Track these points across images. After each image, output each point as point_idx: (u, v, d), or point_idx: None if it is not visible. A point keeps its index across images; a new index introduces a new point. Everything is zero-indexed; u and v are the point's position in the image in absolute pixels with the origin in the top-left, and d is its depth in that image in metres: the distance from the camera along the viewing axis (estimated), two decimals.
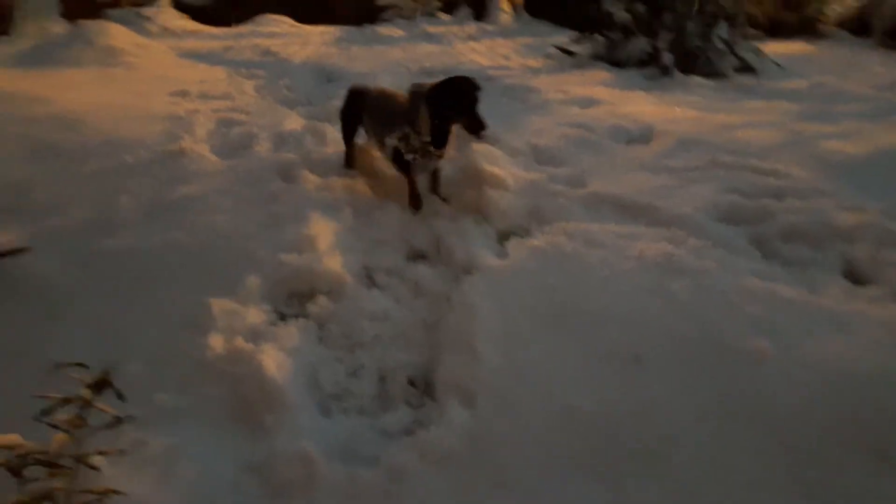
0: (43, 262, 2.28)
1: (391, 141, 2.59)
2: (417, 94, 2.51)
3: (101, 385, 1.26)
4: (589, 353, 1.66)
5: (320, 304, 2.07)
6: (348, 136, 2.94)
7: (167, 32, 8.79)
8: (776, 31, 6.03)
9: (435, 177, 2.71)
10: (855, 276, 1.96)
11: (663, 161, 2.63)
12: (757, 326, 1.67)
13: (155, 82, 4.59)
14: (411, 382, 1.84)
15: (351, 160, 2.96)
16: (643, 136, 2.98)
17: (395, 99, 2.64)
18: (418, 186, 2.64)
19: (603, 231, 2.13)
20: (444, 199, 2.67)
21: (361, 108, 2.81)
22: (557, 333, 1.73)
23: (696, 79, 4.06)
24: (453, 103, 2.40)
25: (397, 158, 2.59)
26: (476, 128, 2.36)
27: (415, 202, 2.62)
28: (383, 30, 7.90)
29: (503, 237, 2.29)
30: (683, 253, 1.95)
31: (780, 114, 3.12)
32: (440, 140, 2.51)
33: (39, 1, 7.72)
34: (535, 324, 1.77)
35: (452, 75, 2.48)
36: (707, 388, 1.56)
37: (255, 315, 1.98)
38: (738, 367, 1.57)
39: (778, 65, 4.24)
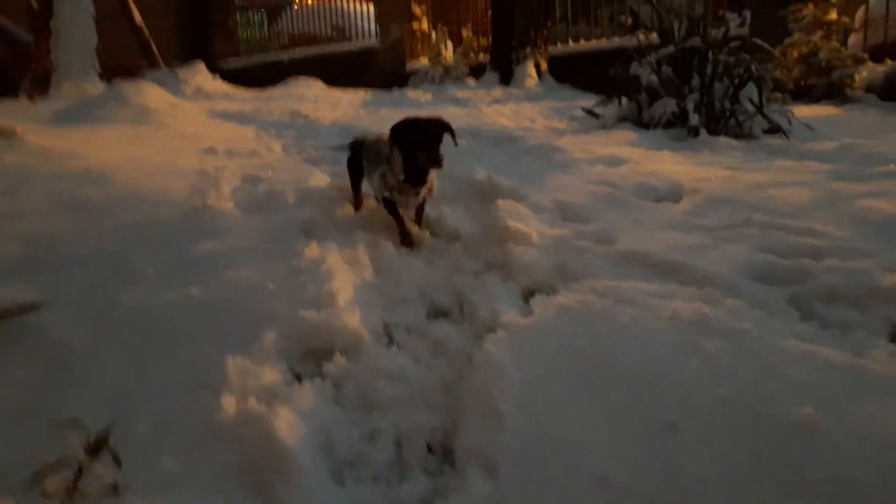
0: (56, 317, 2.25)
1: (375, 179, 2.82)
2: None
3: (97, 447, 1.18)
4: (621, 418, 1.56)
5: (337, 363, 1.99)
6: (355, 183, 3.20)
7: (200, 94, 9.03)
8: (803, 95, 6.00)
9: (418, 213, 2.93)
10: None
11: (694, 219, 2.55)
12: (800, 391, 1.56)
13: (184, 140, 4.66)
14: (429, 448, 1.74)
15: (358, 203, 3.21)
16: (672, 194, 2.91)
17: (384, 143, 2.81)
18: (407, 226, 2.84)
19: (633, 289, 2.04)
20: (422, 229, 2.92)
21: (361, 156, 3.06)
22: (587, 397, 1.62)
23: (725, 139, 4.01)
24: (409, 139, 2.60)
25: (384, 198, 2.80)
26: (430, 161, 2.57)
27: (405, 240, 2.79)
28: (412, 93, 8.04)
29: (528, 294, 2.21)
30: (719, 313, 1.85)
31: (812, 174, 3.04)
32: (415, 179, 2.69)
33: (79, 63, 8.01)
34: (562, 386, 1.67)
35: (416, 117, 2.69)
36: (747, 457, 1.43)
37: (270, 374, 1.91)
38: (781, 435, 1.45)
39: (808, 126, 4.18)
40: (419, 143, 2.58)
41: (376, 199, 2.99)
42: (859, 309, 1.95)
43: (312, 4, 14.05)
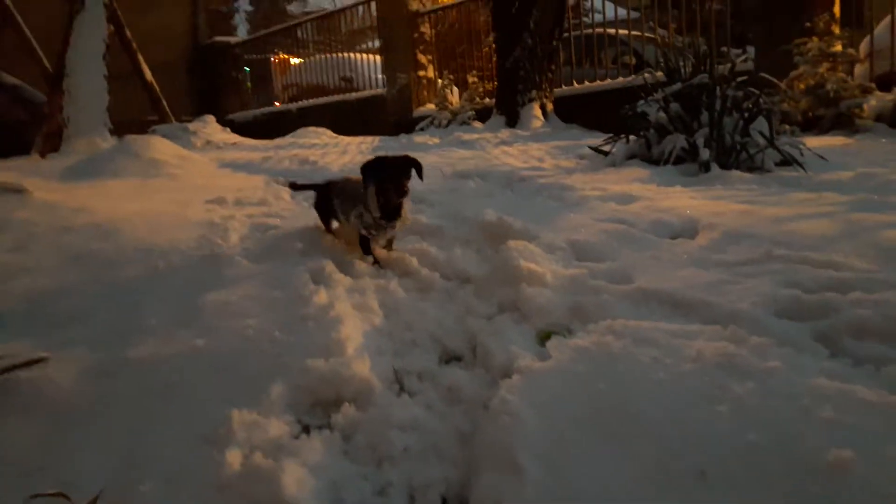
0: (59, 372, 2.19)
1: (352, 219, 3.04)
2: None
3: None
4: (647, 468, 1.46)
5: (346, 413, 1.92)
6: (326, 223, 3.44)
7: (210, 145, 9.12)
8: (811, 126, 5.97)
9: (389, 242, 3.17)
10: None
11: (712, 255, 2.47)
12: (835, 433, 1.46)
13: (193, 191, 4.66)
14: (444, 502, 1.65)
15: (330, 230, 3.46)
16: (688, 230, 2.84)
17: (357, 184, 3.06)
18: (376, 253, 3.10)
19: (653, 329, 1.96)
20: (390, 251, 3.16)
21: (330, 198, 3.30)
22: (610, 445, 1.53)
23: (737, 173, 3.96)
24: (378, 175, 2.82)
25: (360, 237, 3.06)
26: (399, 193, 2.81)
27: (372, 259, 3.05)
28: (419, 138, 8.08)
29: (544, 337, 2.14)
30: (745, 352, 1.76)
31: (830, 205, 2.96)
32: (390, 214, 2.89)
33: (90, 120, 8.12)
34: (584, 435, 1.58)
35: (384, 156, 2.91)
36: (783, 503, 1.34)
37: (277, 427, 1.84)
38: (818, 481, 1.36)
39: (822, 157, 4.13)
40: (388, 177, 2.81)
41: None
42: (890, 343, 1.86)
43: (319, 58, 14.30)
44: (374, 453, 1.78)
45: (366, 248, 3.07)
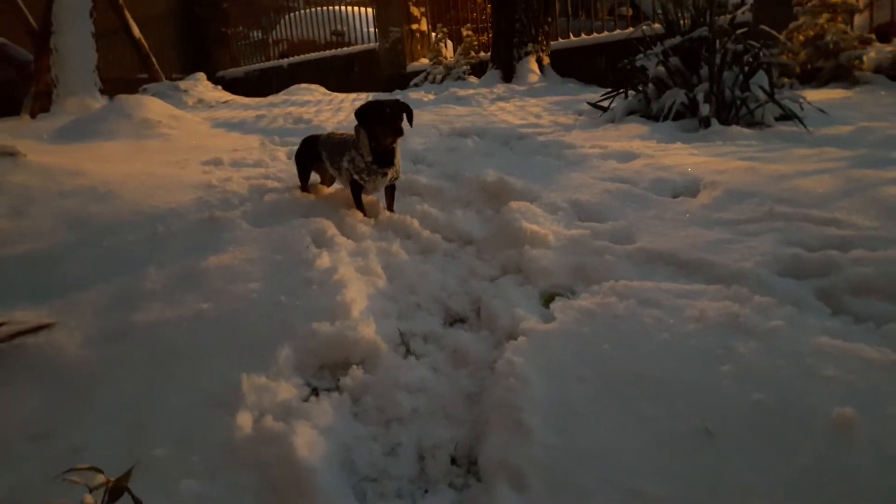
0: (67, 338, 2.20)
1: (344, 164, 3.06)
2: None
3: (116, 493, 1.12)
4: (653, 427, 1.49)
5: (354, 376, 1.94)
6: (304, 174, 3.52)
7: (202, 104, 9.00)
8: (810, 78, 5.91)
9: (389, 198, 3.19)
10: None
11: (715, 214, 2.47)
12: (838, 391, 1.49)
13: (189, 152, 4.60)
14: (454, 461, 1.68)
15: (304, 189, 3.53)
16: (689, 188, 2.83)
17: (345, 135, 3.23)
18: (364, 206, 3.14)
19: (657, 290, 1.97)
20: (391, 211, 3.17)
21: (317, 149, 3.35)
22: (616, 406, 1.56)
23: (737, 128, 3.92)
24: (372, 117, 2.88)
25: (352, 182, 3.08)
26: (392, 132, 2.84)
27: (360, 209, 3.11)
28: (414, 94, 7.96)
29: (548, 299, 2.15)
30: (748, 312, 1.78)
31: (832, 161, 2.95)
32: (383, 160, 2.95)
33: (79, 79, 7.98)
34: (590, 395, 1.60)
35: (376, 100, 2.99)
36: (788, 462, 1.37)
37: (286, 390, 1.86)
38: (822, 438, 1.39)
39: (822, 111, 4.10)
40: (381, 119, 2.86)
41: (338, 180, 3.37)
42: (891, 301, 1.88)
43: (310, 12, 14.01)
44: (383, 415, 1.81)
45: (357, 193, 3.10)
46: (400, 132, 2.86)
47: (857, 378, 1.52)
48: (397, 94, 8.38)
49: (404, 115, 2.90)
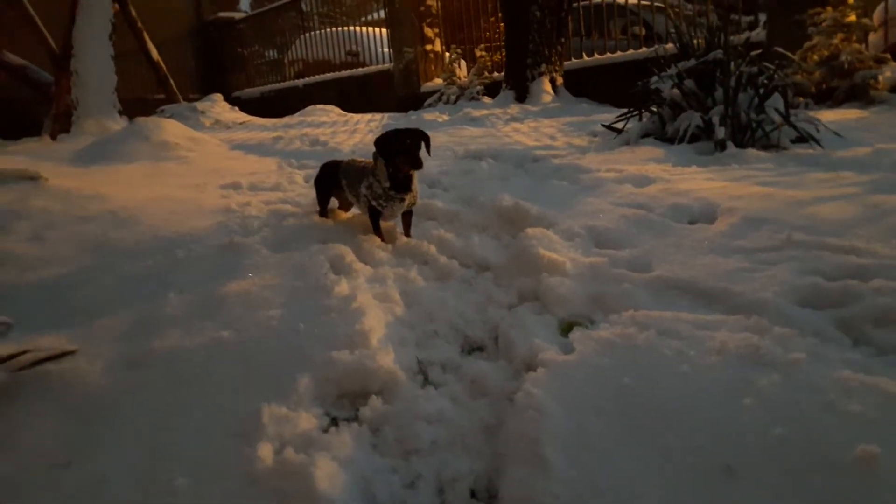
0: (88, 365, 2.22)
1: (362, 190, 3.08)
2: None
3: None
4: (674, 462, 1.49)
5: (373, 406, 1.95)
6: (323, 198, 3.53)
7: (219, 125, 9.11)
8: (826, 97, 5.91)
9: (406, 224, 3.21)
10: None
11: (733, 241, 2.47)
12: (861, 427, 1.48)
13: (207, 175, 4.66)
14: (473, 494, 1.68)
15: (324, 214, 3.54)
16: (706, 214, 2.83)
17: (364, 162, 3.27)
18: (382, 232, 3.17)
19: (676, 320, 1.97)
20: (408, 237, 3.18)
21: (336, 175, 3.39)
22: (637, 440, 1.56)
23: (753, 151, 3.92)
24: (390, 148, 2.90)
25: (370, 208, 3.10)
26: (411, 164, 2.88)
27: (378, 234, 3.14)
28: (428, 115, 8.02)
29: (566, 328, 2.15)
30: (769, 343, 1.77)
31: (850, 186, 2.94)
32: (400, 186, 2.97)
33: (99, 101, 8.11)
34: (610, 429, 1.60)
35: (396, 129, 2.97)
36: (810, 499, 1.36)
37: (307, 420, 1.87)
38: (845, 476, 1.38)
39: (838, 134, 4.09)
40: (400, 151, 2.88)
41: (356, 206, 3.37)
42: None
43: (325, 32, 14.16)
44: (402, 446, 1.81)
45: (375, 218, 3.12)
46: (419, 165, 2.89)
47: (880, 414, 1.51)
48: (411, 115, 8.45)
49: (423, 145, 2.94)
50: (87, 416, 2.07)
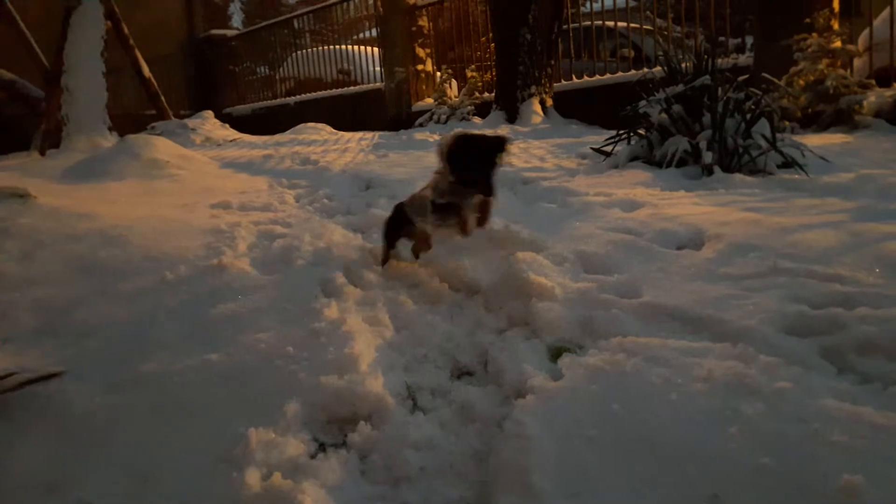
0: (76, 387, 2.22)
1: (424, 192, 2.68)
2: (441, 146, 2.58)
3: None
4: (663, 490, 1.50)
5: (362, 432, 1.95)
6: (390, 241, 3.12)
7: (210, 142, 9.12)
8: (811, 122, 6.00)
9: (483, 209, 2.64)
10: None
11: (719, 268, 2.50)
12: (845, 457, 1.49)
13: (197, 194, 4.66)
14: None
15: (385, 259, 3.16)
16: (693, 240, 2.86)
17: (423, 193, 2.82)
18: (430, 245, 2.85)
19: (664, 347, 1.99)
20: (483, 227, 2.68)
21: (404, 214, 2.98)
22: (626, 468, 1.57)
23: (740, 176, 3.97)
24: (468, 165, 2.38)
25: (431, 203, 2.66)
26: (481, 188, 2.41)
27: (423, 247, 2.84)
28: (419, 134, 8.07)
29: (556, 354, 2.16)
30: (755, 372, 1.79)
31: (835, 213, 2.99)
32: (469, 180, 2.46)
33: (89, 117, 8.11)
34: (599, 457, 1.61)
35: (470, 133, 2.50)
36: None
37: (295, 446, 1.87)
38: None
39: (823, 159, 4.15)
40: (471, 166, 2.41)
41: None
42: None
43: (316, 50, 14.23)
44: (391, 473, 1.81)
45: (417, 249, 2.80)
46: (490, 193, 2.41)
47: (864, 443, 1.52)
48: (402, 135, 8.49)
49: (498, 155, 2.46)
50: (74, 440, 2.06)
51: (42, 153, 7.95)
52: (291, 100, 14.25)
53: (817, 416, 1.62)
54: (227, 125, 10.66)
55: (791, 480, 1.46)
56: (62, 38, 8.46)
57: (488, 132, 2.52)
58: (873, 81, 6.06)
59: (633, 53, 10.22)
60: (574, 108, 8.77)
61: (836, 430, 1.56)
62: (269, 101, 15.28)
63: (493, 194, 2.41)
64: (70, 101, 8.09)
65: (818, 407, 1.65)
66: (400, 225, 3.04)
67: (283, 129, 9.91)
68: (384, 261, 3.14)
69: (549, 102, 8.83)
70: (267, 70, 15.92)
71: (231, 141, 9.27)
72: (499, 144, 2.40)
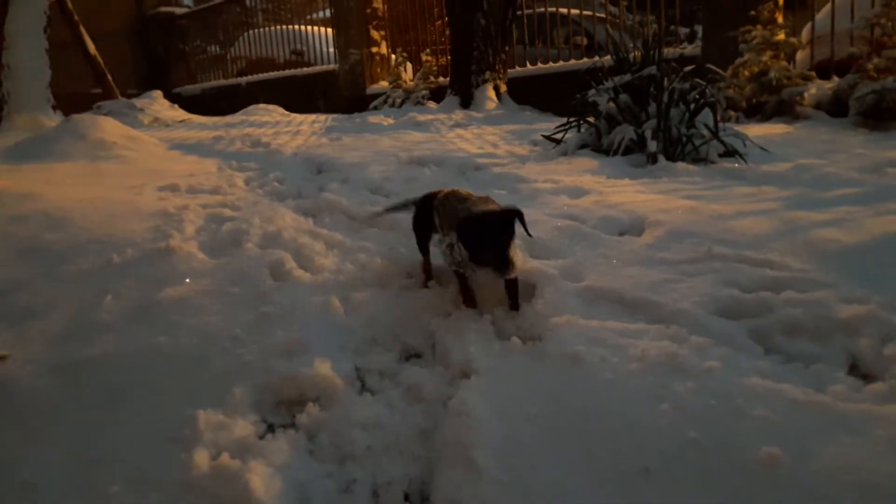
0: (21, 371, 2.20)
1: (443, 248, 2.51)
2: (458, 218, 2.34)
3: None
4: (597, 465, 1.58)
5: (310, 413, 1.99)
6: (423, 244, 2.84)
7: (158, 122, 8.92)
8: (755, 111, 6.19)
9: (511, 292, 2.39)
10: (860, 372, 1.90)
11: (658, 254, 2.60)
12: (766, 431, 1.60)
13: (145, 176, 4.58)
14: (407, 497, 1.74)
15: (428, 271, 2.84)
16: (634, 227, 2.96)
17: (458, 201, 2.51)
18: (471, 287, 2.49)
19: (603, 328, 2.08)
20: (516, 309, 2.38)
21: (431, 211, 2.70)
22: (563, 444, 1.65)
23: (683, 165, 4.10)
24: (478, 243, 2.23)
25: (454, 272, 2.50)
26: (496, 266, 2.20)
27: (466, 300, 2.47)
28: (373, 118, 8.03)
29: (501, 335, 2.23)
30: (686, 352, 1.89)
31: (769, 201, 3.12)
32: (483, 259, 2.25)
33: (32, 96, 7.86)
34: (538, 433, 1.69)
35: (485, 210, 2.31)
36: (719, 499, 1.48)
37: (243, 427, 1.90)
38: (751, 477, 1.50)
39: (763, 149, 4.31)
40: (485, 245, 2.22)
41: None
42: (819, 341, 2.01)
43: (269, 30, 13.99)
44: (339, 452, 1.86)
45: (463, 287, 2.48)
46: (507, 270, 2.19)
47: (783, 418, 1.63)
48: (356, 118, 8.44)
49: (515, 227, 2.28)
50: (19, 422, 2.05)
51: None
52: (243, 80, 14.00)
53: (742, 393, 1.72)
54: (177, 105, 10.43)
55: (716, 453, 1.56)
56: (2, 12, 8.15)
57: (494, 207, 2.35)
58: (814, 74, 6.27)
59: (586, 41, 10.34)
60: (528, 94, 8.85)
61: (758, 406, 1.67)
62: (219, 82, 14.97)
63: (507, 272, 2.22)
64: (11, 78, 7.82)
65: (743, 384, 1.76)
66: (428, 227, 2.76)
67: (234, 110, 9.74)
68: (427, 278, 2.81)
69: (504, 88, 8.88)
70: (218, 49, 15.57)
71: (180, 122, 9.08)
72: (509, 220, 2.26)
